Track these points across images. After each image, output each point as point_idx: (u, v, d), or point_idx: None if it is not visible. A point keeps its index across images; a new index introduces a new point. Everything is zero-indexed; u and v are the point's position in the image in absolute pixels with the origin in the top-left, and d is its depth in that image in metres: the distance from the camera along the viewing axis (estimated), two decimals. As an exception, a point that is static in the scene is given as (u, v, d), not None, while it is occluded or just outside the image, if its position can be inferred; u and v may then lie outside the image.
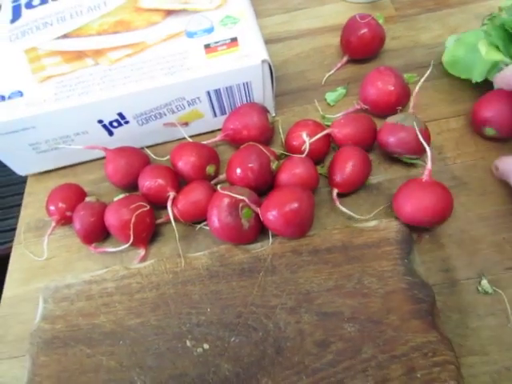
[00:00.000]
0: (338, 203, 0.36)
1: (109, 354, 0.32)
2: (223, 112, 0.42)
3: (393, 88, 0.39)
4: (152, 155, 0.42)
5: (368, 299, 0.31)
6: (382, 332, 0.30)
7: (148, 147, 0.43)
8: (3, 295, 0.38)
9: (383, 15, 0.45)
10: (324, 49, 0.49)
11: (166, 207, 0.37)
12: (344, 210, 0.36)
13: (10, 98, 0.39)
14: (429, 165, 0.33)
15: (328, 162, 0.39)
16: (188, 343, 0.32)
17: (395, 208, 0.34)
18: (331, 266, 0.33)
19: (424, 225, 0.34)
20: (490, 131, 0.38)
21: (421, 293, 0.31)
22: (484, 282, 0.32)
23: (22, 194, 0.59)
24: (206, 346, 0.31)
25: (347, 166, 0.36)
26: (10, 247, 0.44)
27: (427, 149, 0.33)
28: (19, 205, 0.60)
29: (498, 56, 0.37)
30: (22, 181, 0.48)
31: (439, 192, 0.33)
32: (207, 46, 0.39)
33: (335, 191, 0.37)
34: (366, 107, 0.41)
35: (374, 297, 0.32)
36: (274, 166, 0.37)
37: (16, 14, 0.47)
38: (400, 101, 0.40)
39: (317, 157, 0.39)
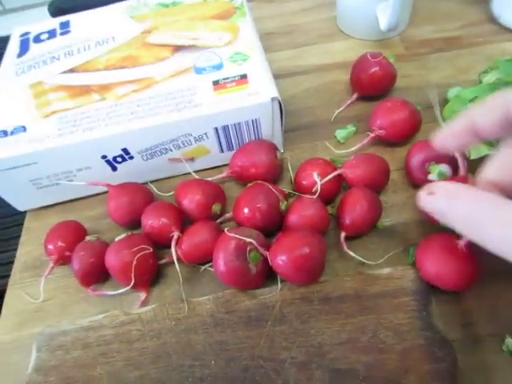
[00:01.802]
0: (345, 248, 0.35)
1: (104, 412, 0.30)
2: (230, 148, 0.41)
3: (407, 112, 0.39)
4: (156, 190, 0.40)
5: (384, 355, 0.29)
6: (401, 394, 0.28)
7: (152, 182, 0.42)
8: (-4, 341, 0.36)
9: (393, 54, 0.45)
10: (333, 85, 0.49)
11: (169, 246, 0.36)
12: (352, 254, 0.34)
13: (12, 133, 0.38)
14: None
15: (338, 202, 0.37)
16: (190, 400, 0.29)
17: (418, 260, 0.32)
18: (344, 316, 0.31)
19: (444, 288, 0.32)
20: None
21: (441, 351, 0.29)
22: (508, 340, 0.30)
23: (20, 225, 0.57)
24: (209, 404, 0.29)
25: (355, 209, 0.34)
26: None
27: None
28: (18, 237, 0.58)
29: (484, 150, 0.35)
30: (21, 212, 0.46)
31: (474, 265, 0.30)
32: (216, 83, 0.39)
33: (343, 235, 0.35)
34: (381, 131, 0.40)
35: (391, 353, 0.29)
36: (283, 206, 0.35)
37: (23, 48, 0.47)
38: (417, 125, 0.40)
39: (327, 197, 0.37)
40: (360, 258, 0.34)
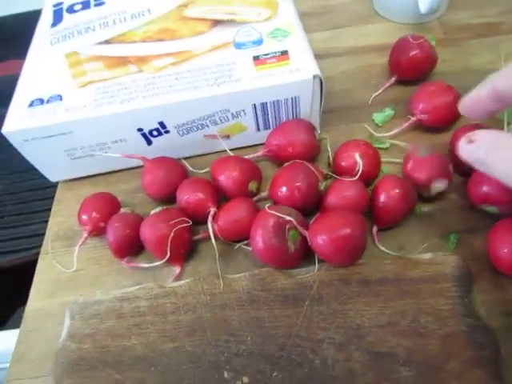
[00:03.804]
0: (376, 241, 0.34)
1: (139, 382, 0.29)
2: (267, 126, 0.40)
3: (452, 97, 0.38)
4: (190, 167, 0.40)
5: (425, 340, 0.29)
6: (442, 380, 0.27)
7: (185, 158, 0.42)
8: (27, 308, 0.36)
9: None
10: (370, 68, 0.48)
11: (202, 223, 0.35)
12: (383, 249, 0.34)
13: (48, 101, 0.38)
14: None
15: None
16: (226, 375, 0.29)
17: (491, 250, 0.31)
18: (383, 299, 0.31)
19: None
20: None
21: (483, 338, 0.28)
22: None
23: (45, 199, 0.57)
24: (245, 380, 0.29)
25: (385, 200, 0.33)
26: (34, 254, 0.42)
27: None
28: (42, 210, 0.59)
29: None
30: (46, 186, 0.46)
31: None
32: (256, 58, 0.38)
33: (375, 229, 0.34)
34: (423, 116, 0.39)
35: (432, 338, 0.29)
36: (322, 186, 0.35)
37: (57, 18, 0.46)
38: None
39: (366, 180, 0.36)
40: (390, 252, 0.33)
